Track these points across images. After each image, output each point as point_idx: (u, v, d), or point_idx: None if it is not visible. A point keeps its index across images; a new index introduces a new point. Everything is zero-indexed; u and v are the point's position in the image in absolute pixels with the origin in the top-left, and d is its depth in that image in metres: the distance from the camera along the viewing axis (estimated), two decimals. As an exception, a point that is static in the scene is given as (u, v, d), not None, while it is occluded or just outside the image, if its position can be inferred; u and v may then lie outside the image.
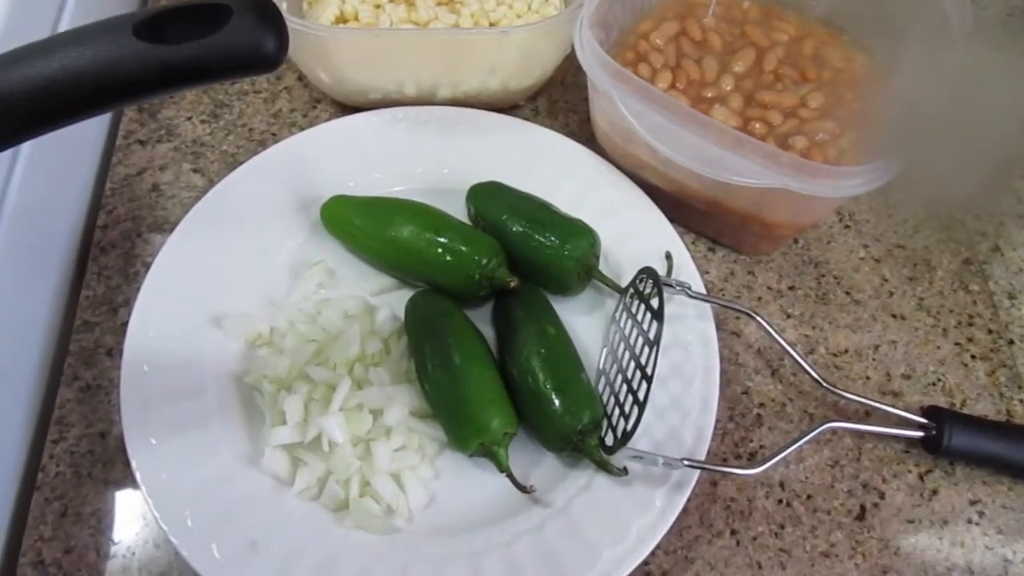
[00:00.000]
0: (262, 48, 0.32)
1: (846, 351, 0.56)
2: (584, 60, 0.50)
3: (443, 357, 0.48)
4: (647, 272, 0.47)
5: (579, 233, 0.52)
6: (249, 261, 0.53)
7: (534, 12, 0.62)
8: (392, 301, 0.53)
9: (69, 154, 0.58)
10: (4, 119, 0.33)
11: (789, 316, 0.57)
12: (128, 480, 0.48)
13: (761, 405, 0.53)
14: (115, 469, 0.48)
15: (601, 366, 0.51)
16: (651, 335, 0.44)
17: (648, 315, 0.46)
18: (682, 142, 0.47)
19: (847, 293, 0.58)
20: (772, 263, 0.59)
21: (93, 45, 0.32)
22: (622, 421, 0.45)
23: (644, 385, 0.43)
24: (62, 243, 0.55)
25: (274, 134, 0.62)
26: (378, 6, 0.61)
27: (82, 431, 0.49)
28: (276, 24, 0.32)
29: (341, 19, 0.60)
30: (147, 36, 0.32)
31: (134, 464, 0.45)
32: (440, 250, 0.51)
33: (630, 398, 0.44)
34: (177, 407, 0.47)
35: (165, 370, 0.48)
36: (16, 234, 0.49)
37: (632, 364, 0.46)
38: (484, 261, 0.50)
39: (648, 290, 0.47)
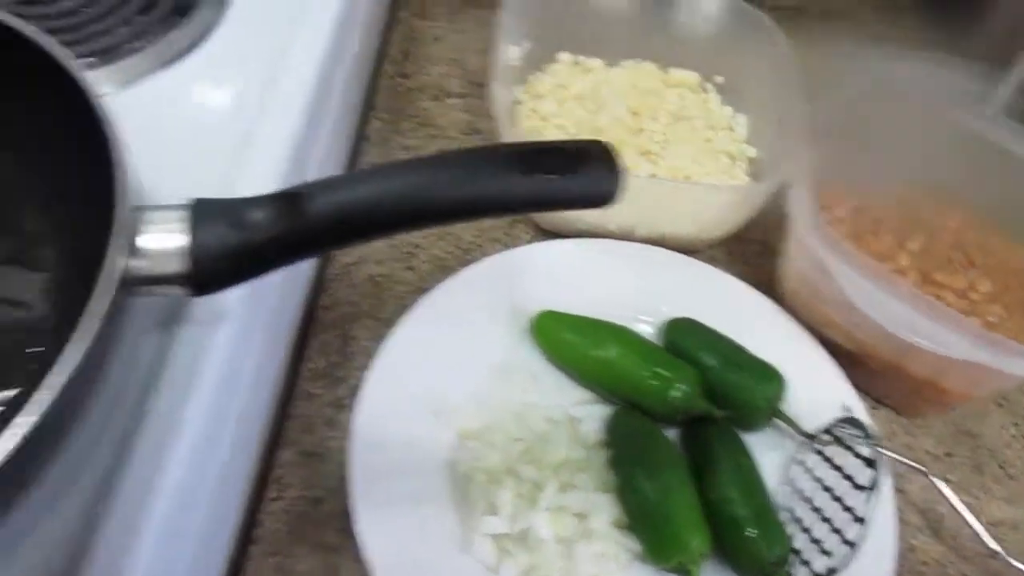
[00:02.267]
0: (610, 192, 0.39)
1: (1002, 522, 0.59)
2: (810, 241, 0.55)
3: (650, 473, 0.51)
4: (851, 421, 0.52)
5: (770, 376, 0.56)
6: (463, 360, 0.58)
7: (723, 173, 0.69)
8: (591, 413, 0.57)
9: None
10: (378, 221, 0.40)
11: (948, 481, 0.60)
12: (342, 547, 0.51)
13: (924, 563, 0.56)
14: (328, 534, 0.52)
15: (781, 502, 0.54)
16: (860, 480, 0.48)
17: (859, 461, 0.50)
18: (890, 311, 0.52)
19: (1001, 467, 0.62)
20: (931, 429, 0.63)
21: (482, 171, 0.38)
22: (823, 557, 0.48)
23: (856, 526, 0.46)
24: (291, 318, 0.61)
25: (480, 246, 0.68)
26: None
27: (299, 492, 0.53)
28: (621, 174, 0.39)
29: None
30: (519, 168, 0.39)
31: (360, 532, 0.48)
32: (646, 373, 0.56)
33: (834, 536, 0.48)
34: (400, 485, 0.51)
35: (387, 449, 0.52)
36: (261, 305, 0.55)
37: (835, 504, 0.49)
38: (686, 388, 0.55)
39: (847, 438, 0.51)
